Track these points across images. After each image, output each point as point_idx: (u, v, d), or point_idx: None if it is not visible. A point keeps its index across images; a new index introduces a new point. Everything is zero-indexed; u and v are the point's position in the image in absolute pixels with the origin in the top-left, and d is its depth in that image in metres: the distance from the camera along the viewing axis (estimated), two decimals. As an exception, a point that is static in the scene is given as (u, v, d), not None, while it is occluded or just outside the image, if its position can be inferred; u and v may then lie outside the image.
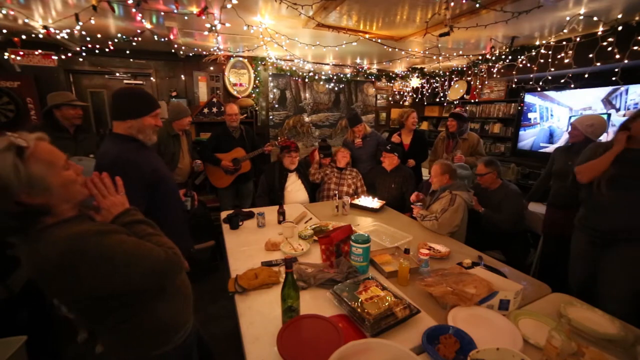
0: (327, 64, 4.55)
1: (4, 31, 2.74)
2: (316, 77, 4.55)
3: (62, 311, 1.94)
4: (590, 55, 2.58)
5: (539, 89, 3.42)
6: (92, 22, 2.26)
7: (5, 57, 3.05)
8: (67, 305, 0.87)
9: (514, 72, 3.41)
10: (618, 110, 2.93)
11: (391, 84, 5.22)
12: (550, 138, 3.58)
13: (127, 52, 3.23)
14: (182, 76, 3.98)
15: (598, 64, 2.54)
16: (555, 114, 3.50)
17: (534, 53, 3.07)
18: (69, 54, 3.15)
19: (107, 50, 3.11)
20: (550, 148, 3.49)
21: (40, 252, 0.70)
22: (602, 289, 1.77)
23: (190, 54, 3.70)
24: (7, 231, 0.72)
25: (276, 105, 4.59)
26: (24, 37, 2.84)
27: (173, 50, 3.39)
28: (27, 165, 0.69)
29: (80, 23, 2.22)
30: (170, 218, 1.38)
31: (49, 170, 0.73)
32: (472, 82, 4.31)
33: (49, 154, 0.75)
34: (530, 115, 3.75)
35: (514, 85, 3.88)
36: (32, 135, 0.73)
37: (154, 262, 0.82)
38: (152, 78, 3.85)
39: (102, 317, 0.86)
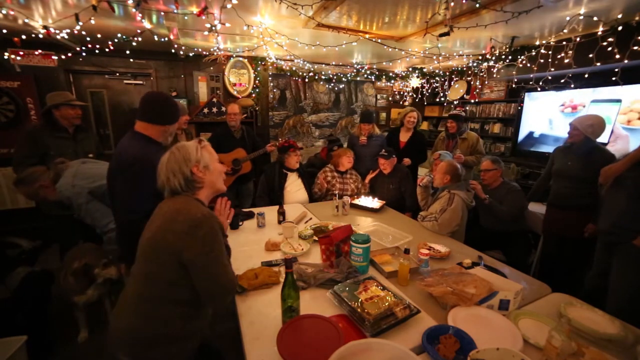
0: (327, 64, 4.55)
1: (4, 31, 2.74)
2: (316, 77, 4.55)
3: (77, 304, 1.97)
4: (590, 55, 2.58)
5: (539, 89, 3.42)
6: (92, 22, 2.25)
7: (5, 57, 3.05)
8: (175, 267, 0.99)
9: (514, 72, 3.41)
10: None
11: (391, 84, 5.21)
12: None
13: (127, 52, 3.21)
14: (182, 76, 3.97)
15: (598, 64, 2.54)
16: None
17: (534, 53, 3.06)
18: (69, 54, 3.14)
19: (107, 50, 3.10)
20: (550, 148, 3.48)
21: (190, 210, 1.00)
22: (610, 288, 1.81)
23: (190, 54, 3.70)
24: (177, 188, 1.06)
25: (276, 105, 4.59)
26: (24, 37, 2.83)
27: (173, 50, 3.39)
28: (201, 150, 1.11)
29: (80, 23, 2.21)
30: None
31: (210, 157, 1.14)
32: (472, 82, 4.31)
33: (211, 149, 1.18)
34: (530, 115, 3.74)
35: (514, 85, 3.87)
36: (206, 141, 1.17)
37: (225, 273, 1.03)
38: (152, 78, 3.85)
39: (172, 297, 1.01)
